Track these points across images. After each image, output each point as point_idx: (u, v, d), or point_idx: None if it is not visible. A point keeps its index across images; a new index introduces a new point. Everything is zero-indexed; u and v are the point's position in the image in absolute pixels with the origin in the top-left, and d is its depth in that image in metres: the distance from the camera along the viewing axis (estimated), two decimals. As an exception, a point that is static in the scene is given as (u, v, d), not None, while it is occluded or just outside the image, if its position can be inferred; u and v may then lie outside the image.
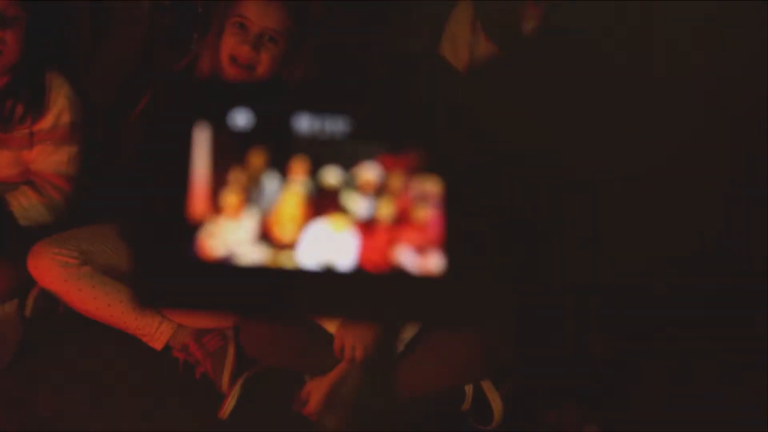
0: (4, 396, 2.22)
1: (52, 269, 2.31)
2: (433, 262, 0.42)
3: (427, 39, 3.06)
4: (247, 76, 2.29)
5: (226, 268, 0.40)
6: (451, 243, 0.41)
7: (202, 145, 0.41)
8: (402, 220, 0.42)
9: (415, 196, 0.42)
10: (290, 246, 0.41)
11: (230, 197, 0.42)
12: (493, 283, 0.41)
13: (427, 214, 0.42)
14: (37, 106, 2.40)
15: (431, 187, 0.42)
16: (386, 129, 0.41)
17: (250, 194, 0.42)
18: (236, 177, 0.42)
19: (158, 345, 2.37)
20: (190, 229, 0.41)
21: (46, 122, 2.42)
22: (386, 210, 0.42)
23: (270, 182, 0.42)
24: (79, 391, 2.27)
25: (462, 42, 2.98)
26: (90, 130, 2.53)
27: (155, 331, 2.36)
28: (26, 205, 2.42)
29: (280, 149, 0.41)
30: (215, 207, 0.41)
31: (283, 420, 2.28)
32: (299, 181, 0.42)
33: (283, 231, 0.41)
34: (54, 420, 2.18)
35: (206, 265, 0.40)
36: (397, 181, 0.42)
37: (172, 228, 0.39)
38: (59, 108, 2.43)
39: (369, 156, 0.42)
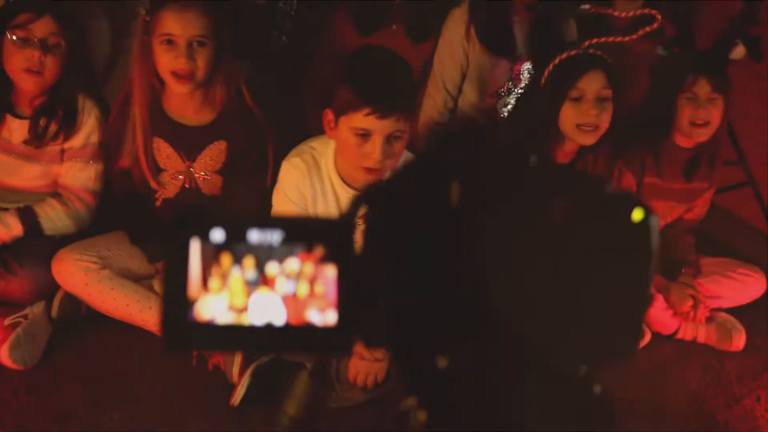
0: (34, 391, 2.38)
1: (76, 274, 2.52)
2: (330, 318, 0.69)
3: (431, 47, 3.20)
4: (191, 84, 2.47)
5: (211, 326, 0.67)
6: (341, 306, 0.67)
7: (195, 252, 0.68)
8: (311, 292, 0.69)
9: (320, 276, 0.69)
10: (245, 310, 0.68)
11: (212, 282, 0.68)
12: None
13: (327, 288, 0.69)
14: (70, 126, 2.61)
15: (330, 270, 0.69)
16: (305, 238, 0.67)
17: (224, 280, 0.68)
18: (215, 270, 0.68)
19: (173, 340, 2.59)
20: (190, 302, 0.67)
21: (77, 141, 2.63)
22: (302, 287, 0.68)
23: (234, 273, 0.69)
24: (103, 384, 2.44)
25: (457, 48, 3.10)
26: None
27: (170, 327, 2.59)
28: (53, 216, 2.65)
29: (239, 252, 0.68)
30: (204, 289, 0.68)
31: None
32: (250, 271, 0.68)
33: (239, 302, 0.67)
34: (81, 413, 2.34)
35: (200, 324, 0.67)
36: (309, 268, 0.69)
37: (181, 302, 0.65)
38: (89, 128, 2.64)
39: (293, 253, 0.68)
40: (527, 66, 3.11)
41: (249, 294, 0.69)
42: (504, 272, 0.69)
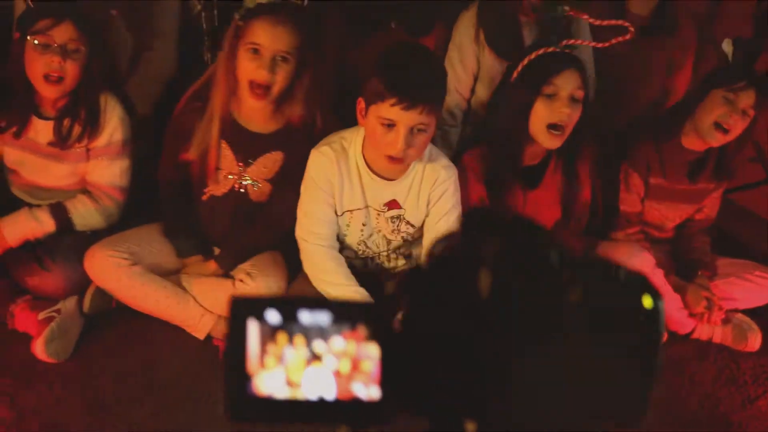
0: (68, 384, 2.46)
1: (107, 270, 2.59)
2: (374, 392, 0.76)
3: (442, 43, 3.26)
4: (265, 98, 2.53)
5: (271, 400, 0.74)
6: (383, 382, 0.74)
7: (253, 332, 0.75)
8: (356, 368, 0.76)
9: (364, 354, 0.76)
10: (299, 385, 0.74)
11: (269, 360, 0.75)
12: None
13: (370, 365, 0.76)
14: (93, 126, 2.66)
15: (373, 349, 0.76)
16: (349, 319, 0.75)
17: (279, 357, 0.75)
18: (271, 348, 0.75)
19: (201, 334, 2.65)
20: (249, 377, 0.74)
21: (101, 140, 2.69)
22: (347, 364, 0.75)
23: (289, 350, 0.75)
24: (132, 377, 2.52)
25: (468, 52, 3.15)
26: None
27: (198, 322, 2.64)
28: (83, 212, 2.72)
29: (291, 331, 0.75)
30: (262, 366, 0.75)
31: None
32: (301, 349, 0.75)
33: (295, 377, 0.74)
34: (112, 405, 2.42)
35: (261, 399, 0.74)
36: (353, 347, 0.76)
37: (241, 377, 0.73)
38: (112, 127, 2.69)
39: (338, 332, 0.75)
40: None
41: (303, 370, 0.75)
42: (528, 351, 0.76)
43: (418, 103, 2.31)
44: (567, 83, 2.58)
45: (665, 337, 2.78)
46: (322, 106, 2.68)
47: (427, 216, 2.62)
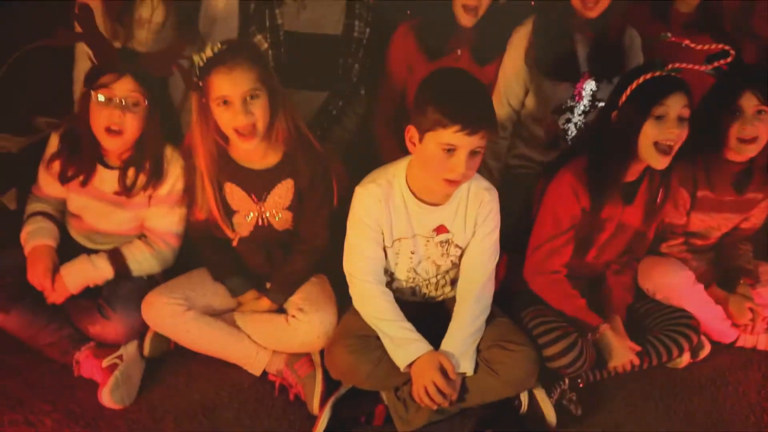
0: (134, 428, 2.58)
1: (164, 316, 2.71)
2: None
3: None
4: (254, 139, 2.61)
5: None
6: None
7: None
8: None
9: None
10: None
11: None
12: None
13: None
14: (157, 176, 2.78)
15: None
16: None
17: None
18: None
19: (257, 371, 2.76)
20: None
21: (164, 189, 2.80)
22: None
23: None
24: (194, 417, 2.63)
25: (521, 67, 3.24)
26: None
27: (254, 359, 2.74)
28: (140, 259, 2.83)
29: None
30: None
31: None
32: None
33: None
34: None
35: None
36: None
37: None
38: (175, 177, 2.80)
39: None
40: (589, 83, 3.20)
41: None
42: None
43: (480, 129, 2.40)
44: (676, 104, 2.64)
45: (708, 349, 2.85)
46: (305, 125, 2.76)
47: (473, 236, 2.69)
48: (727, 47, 2.73)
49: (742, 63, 3.10)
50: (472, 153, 2.44)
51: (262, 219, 2.81)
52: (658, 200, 2.87)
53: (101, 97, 2.63)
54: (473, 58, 3.29)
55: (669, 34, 2.81)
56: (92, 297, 2.79)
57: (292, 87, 3.06)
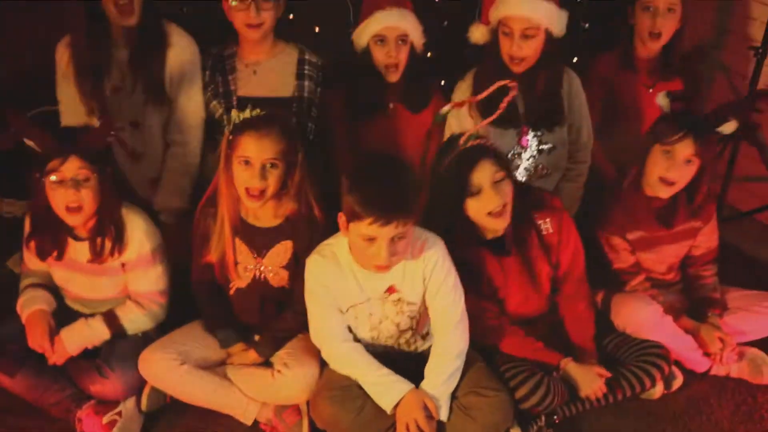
0: None
1: (159, 372, 2.87)
2: None
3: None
4: (260, 200, 2.79)
5: None
6: None
7: None
8: None
9: None
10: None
11: None
12: None
13: None
14: (121, 241, 2.93)
15: None
16: None
17: None
18: None
19: (248, 420, 2.91)
20: None
21: (131, 254, 2.96)
22: None
23: None
24: None
25: (465, 119, 3.34)
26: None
27: (244, 410, 2.90)
28: (133, 318, 3.00)
29: None
30: None
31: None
32: None
33: None
34: None
35: None
36: None
37: None
38: (138, 241, 2.95)
39: None
40: (532, 133, 3.34)
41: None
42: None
43: (393, 219, 2.51)
44: (485, 175, 2.75)
45: (682, 379, 2.96)
46: (315, 196, 2.92)
47: (425, 291, 2.81)
48: (508, 82, 2.86)
49: (692, 109, 3.21)
50: (394, 239, 2.56)
51: (260, 273, 2.98)
52: (535, 241, 2.96)
53: (54, 179, 2.77)
54: (407, 107, 3.47)
55: (449, 106, 2.99)
56: (91, 357, 2.95)
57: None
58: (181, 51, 3.42)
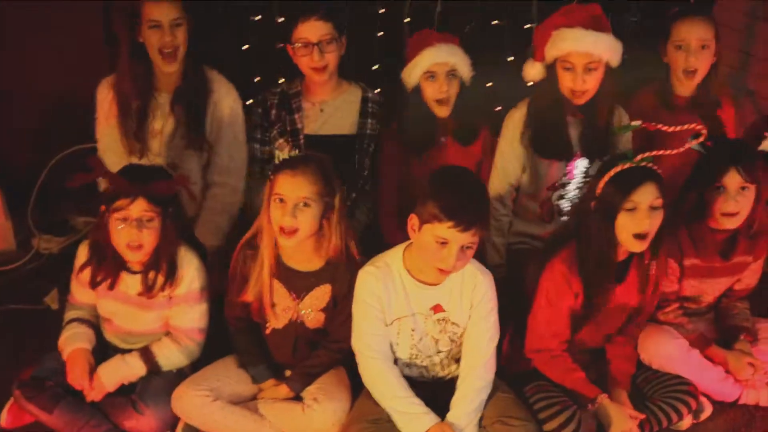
0: None
1: (192, 408, 2.92)
2: None
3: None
4: (293, 239, 2.84)
5: None
6: None
7: None
8: None
9: None
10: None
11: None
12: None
13: None
14: (173, 277, 3.01)
15: None
16: None
17: None
18: None
19: (276, 453, 2.96)
20: None
21: (181, 289, 3.04)
22: None
23: None
24: None
25: (517, 146, 3.45)
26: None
27: (273, 443, 2.96)
28: (168, 355, 3.07)
29: None
30: None
31: None
32: None
33: None
34: None
35: None
36: None
37: None
38: (190, 278, 3.03)
39: None
40: (581, 162, 3.38)
41: None
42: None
43: (472, 226, 2.61)
44: (645, 197, 2.78)
45: (710, 410, 2.96)
46: (355, 240, 2.99)
47: (469, 318, 2.88)
48: (699, 127, 2.87)
49: (726, 140, 3.23)
50: (464, 248, 2.65)
51: (297, 315, 3.03)
52: (651, 273, 2.99)
53: (119, 218, 2.87)
54: (456, 141, 3.54)
55: (639, 122, 2.95)
56: (127, 393, 3.01)
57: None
58: (223, 98, 3.52)
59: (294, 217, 2.82)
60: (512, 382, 3.01)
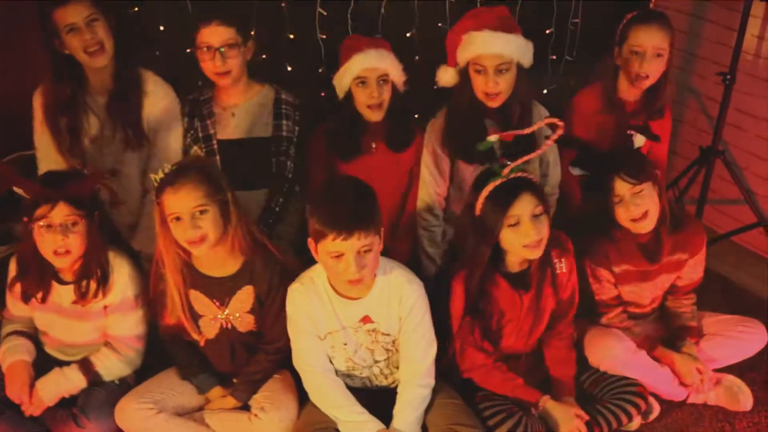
0: None
1: (136, 421, 2.86)
2: None
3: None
4: (202, 246, 2.78)
5: None
6: None
7: None
8: None
9: None
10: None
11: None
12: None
13: None
14: (105, 283, 2.94)
15: None
16: None
17: None
18: None
19: (226, 465, 2.91)
20: None
21: (115, 297, 2.97)
22: None
23: None
24: None
25: (440, 156, 3.41)
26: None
27: (223, 455, 2.91)
28: (108, 364, 3.00)
29: None
30: None
31: None
32: None
33: None
34: None
35: None
36: None
37: None
38: (122, 285, 2.97)
39: None
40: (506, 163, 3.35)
41: None
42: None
43: (354, 231, 2.57)
44: (525, 208, 2.76)
45: (658, 410, 2.97)
46: (260, 234, 2.96)
47: (400, 329, 2.85)
48: (555, 120, 2.85)
49: (598, 153, 3.23)
50: (360, 253, 2.61)
51: (226, 322, 2.98)
52: (561, 272, 2.99)
53: (42, 224, 2.80)
54: (389, 147, 3.50)
55: (497, 136, 2.95)
56: (69, 405, 2.94)
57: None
58: (158, 98, 3.46)
59: (196, 227, 2.75)
60: (459, 387, 2.99)
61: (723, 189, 4.28)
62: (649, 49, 3.41)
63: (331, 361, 2.89)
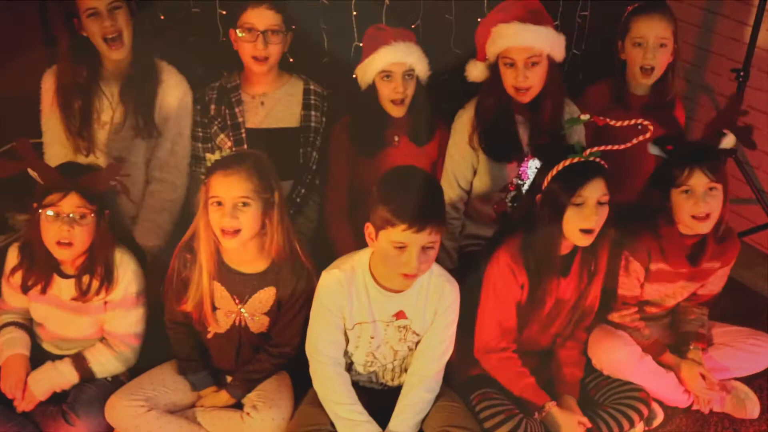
0: None
1: (126, 419, 2.81)
2: None
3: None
4: (235, 239, 2.73)
5: None
6: None
7: None
8: None
9: None
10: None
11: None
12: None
13: None
14: (109, 281, 2.90)
15: None
16: None
17: None
18: None
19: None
20: None
21: (117, 294, 2.92)
22: None
23: None
24: None
25: (466, 149, 3.34)
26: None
27: (215, 454, 2.85)
28: (102, 360, 2.95)
29: None
30: None
31: None
32: None
33: None
34: None
35: None
36: None
37: None
38: (126, 282, 2.92)
39: None
40: (533, 162, 3.27)
41: None
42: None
43: (427, 226, 2.51)
44: (593, 192, 2.73)
45: (662, 417, 2.90)
46: (299, 241, 2.89)
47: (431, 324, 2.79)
48: (645, 122, 2.78)
49: (687, 141, 3.14)
50: (424, 249, 2.55)
51: (240, 319, 2.92)
52: (591, 269, 2.93)
53: (50, 213, 2.75)
54: (411, 141, 3.42)
55: (588, 115, 2.86)
56: (59, 402, 2.88)
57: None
58: (172, 89, 3.41)
59: (234, 217, 2.71)
60: (457, 389, 2.93)
61: (735, 188, 4.17)
62: (651, 39, 3.35)
63: (349, 354, 2.83)
